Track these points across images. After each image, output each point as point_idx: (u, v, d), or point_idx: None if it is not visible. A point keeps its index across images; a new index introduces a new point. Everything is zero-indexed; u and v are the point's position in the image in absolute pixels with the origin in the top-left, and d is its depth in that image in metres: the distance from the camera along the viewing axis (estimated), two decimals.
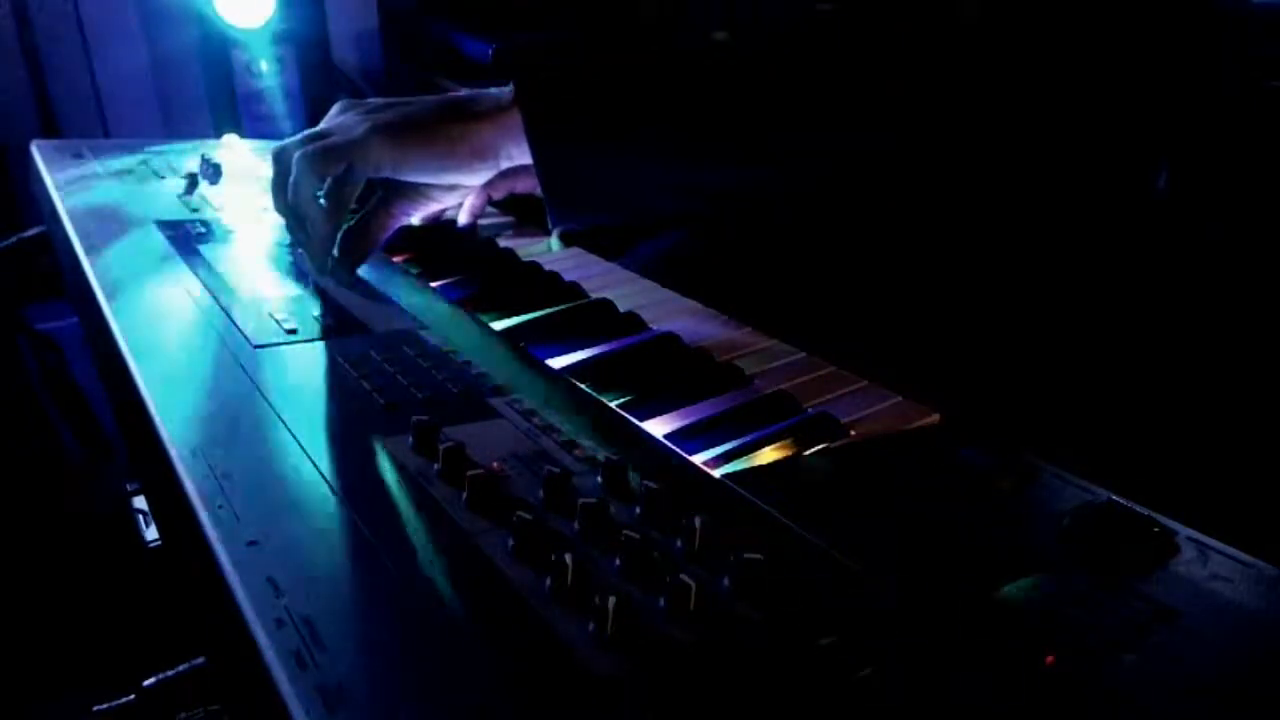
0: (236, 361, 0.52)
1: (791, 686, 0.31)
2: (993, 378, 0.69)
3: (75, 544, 1.14)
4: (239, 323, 0.58)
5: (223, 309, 0.60)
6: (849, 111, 0.67)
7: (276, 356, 0.53)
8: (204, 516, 0.37)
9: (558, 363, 0.58)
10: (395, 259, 0.78)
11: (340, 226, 0.70)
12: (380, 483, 0.41)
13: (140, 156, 1.00)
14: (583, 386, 0.53)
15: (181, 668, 0.62)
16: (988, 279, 0.73)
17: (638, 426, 0.49)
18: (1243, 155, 0.77)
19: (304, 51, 2.01)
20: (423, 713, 0.28)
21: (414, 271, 0.76)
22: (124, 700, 0.64)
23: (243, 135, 1.58)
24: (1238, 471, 0.68)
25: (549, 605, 0.33)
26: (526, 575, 0.35)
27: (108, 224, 0.76)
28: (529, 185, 0.85)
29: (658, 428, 0.51)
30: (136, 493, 1.00)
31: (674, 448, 0.47)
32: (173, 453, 0.42)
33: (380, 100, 0.71)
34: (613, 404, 0.52)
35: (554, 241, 0.87)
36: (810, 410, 0.54)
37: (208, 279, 0.65)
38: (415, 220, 0.81)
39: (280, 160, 0.69)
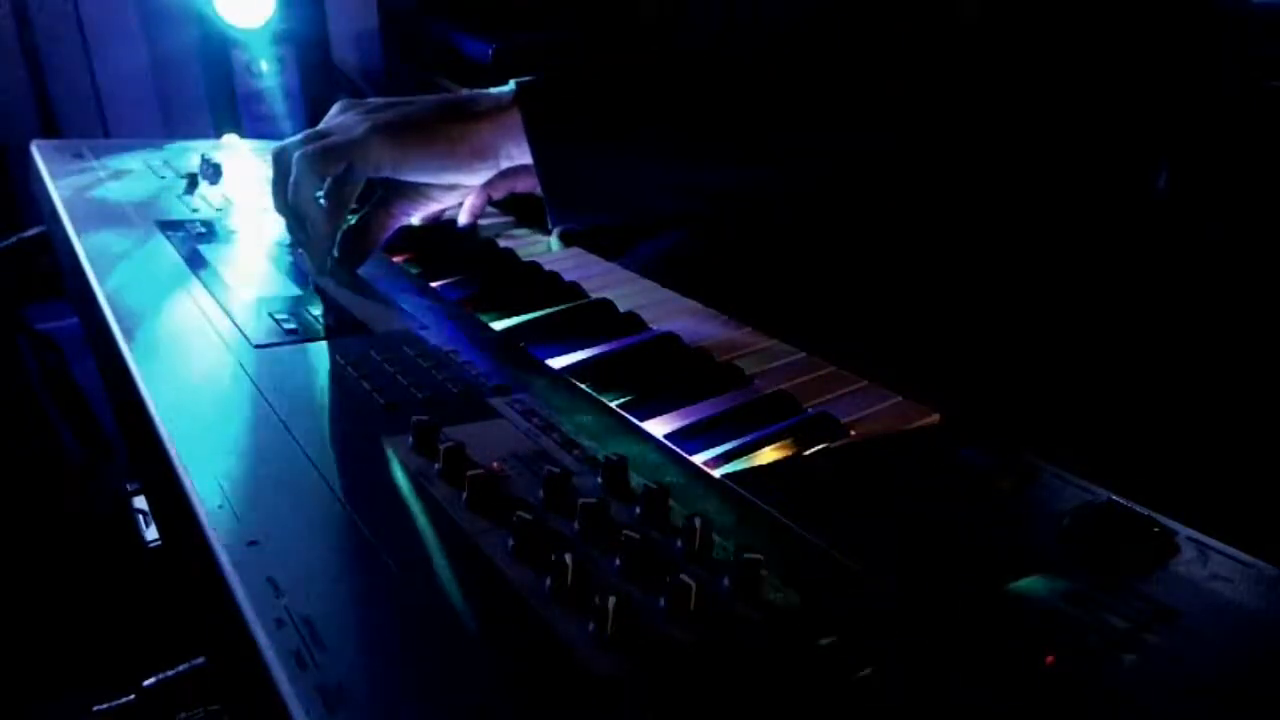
0: (236, 361, 0.52)
1: (791, 686, 0.31)
2: (993, 378, 0.69)
3: (75, 544, 1.14)
4: (239, 323, 0.58)
5: (223, 309, 0.60)
6: (849, 111, 0.67)
7: (276, 356, 0.53)
8: (204, 516, 0.37)
9: (558, 363, 0.58)
10: (395, 259, 0.78)
11: (340, 226, 0.70)
12: (380, 483, 0.41)
13: (140, 156, 1.00)
14: (583, 386, 0.53)
15: (181, 668, 0.62)
16: (988, 279, 0.73)
17: (638, 426, 0.49)
18: (1243, 155, 0.77)
19: (304, 51, 2.01)
20: (423, 713, 0.28)
21: (414, 271, 0.76)
22: (124, 700, 0.64)
23: (243, 135, 1.58)
24: (1238, 471, 0.68)
25: (549, 605, 0.33)
26: (526, 575, 0.35)
27: (108, 224, 0.76)
28: (529, 185, 0.85)
29: (658, 428, 0.51)
30: (136, 493, 1.00)
31: (674, 448, 0.47)
32: (173, 453, 0.42)
33: (380, 100, 0.71)
34: (613, 404, 0.52)
35: (554, 241, 0.87)
36: (810, 410, 0.54)
37: (208, 279, 0.65)
38: (415, 220, 0.81)
39: (280, 160, 0.69)
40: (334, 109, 0.72)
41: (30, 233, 1.35)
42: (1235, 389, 0.73)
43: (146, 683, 0.62)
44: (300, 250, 0.72)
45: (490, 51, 1.71)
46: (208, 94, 2.00)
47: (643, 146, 0.68)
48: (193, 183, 0.89)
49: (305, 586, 0.33)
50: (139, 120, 2.09)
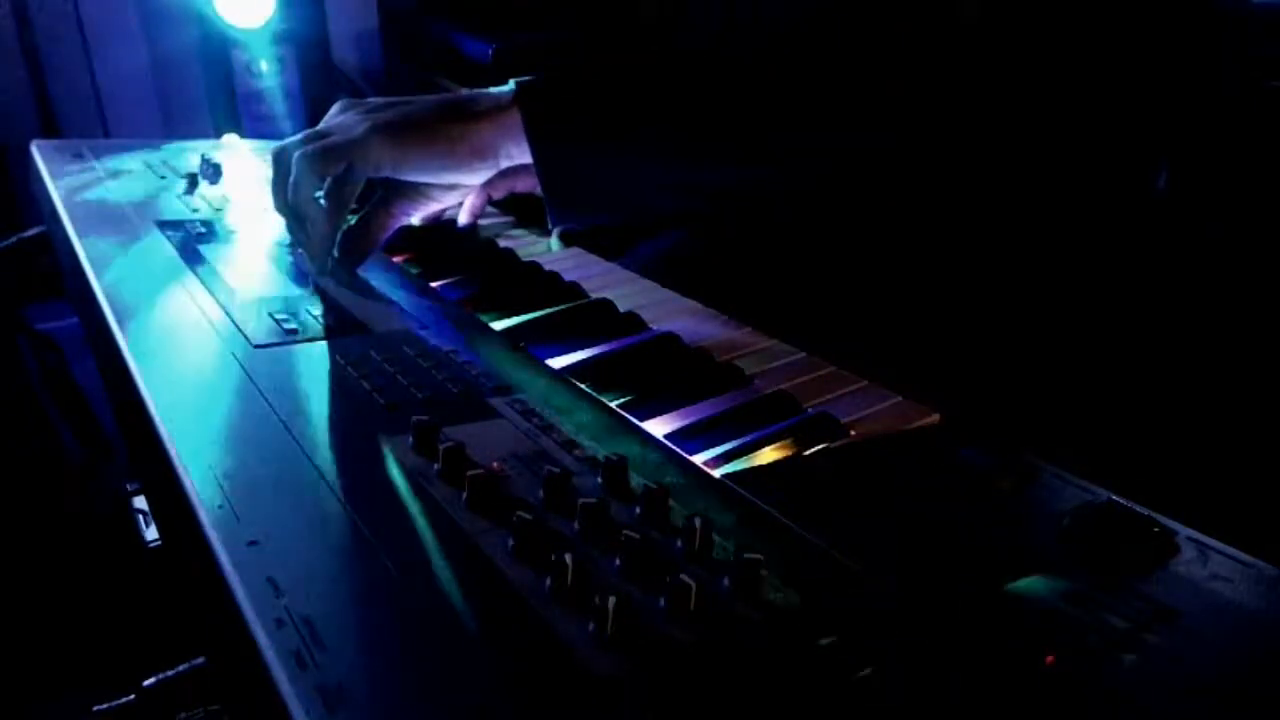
0: (236, 361, 0.52)
1: (791, 686, 0.31)
2: (993, 378, 0.69)
3: (75, 544, 1.14)
4: (239, 323, 0.58)
5: (223, 309, 0.60)
6: (849, 111, 0.67)
7: (276, 356, 0.53)
8: (204, 516, 0.37)
9: (558, 363, 0.58)
10: (395, 259, 0.78)
11: (340, 226, 0.70)
12: (380, 483, 0.41)
13: (140, 156, 1.00)
14: (583, 386, 0.53)
15: (181, 668, 0.62)
16: (988, 278, 0.73)
17: (638, 426, 0.49)
18: (1243, 155, 0.77)
19: (304, 51, 2.01)
20: (423, 713, 0.28)
21: (414, 271, 0.76)
22: (124, 700, 0.64)
23: (243, 135, 1.58)
24: (1238, 471, 0.68)
25: (549, 605, 0.33)
26: (526, 575, 0.35)
27: (108, 224, 0.76)
28: (529, 185, 0.85)
29: (658, 428, 0.51)
30: (136, 493, 1.00)
31: (674, 448, 0.47)
32: (173, 453, 0.42)
33: (380, 100, 0.71)
34: (613, 404, 0.52)
35: (554, 241, 0.87)
36: (810, 410, 0.54)
37: (208, 279, 0.65)
38: (415, 220, 0.81)
39: (280, 160, 0.69)
40: (334, 109, 0.72)
41: (30, 233, 1.35)
42: (1235, 389, 0.73)
43: (146, 683, 0.62)
44: (300, 250, 0.72)
45: (490, 51, 1.71)
46: (208, 94, 2.00)
47: (643, 146, 0.68)
48: (193, 183, 0.89)
49: (305, 586, 0.33)
50: (139, 120, 2.09)
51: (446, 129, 0.68)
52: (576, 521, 0.38)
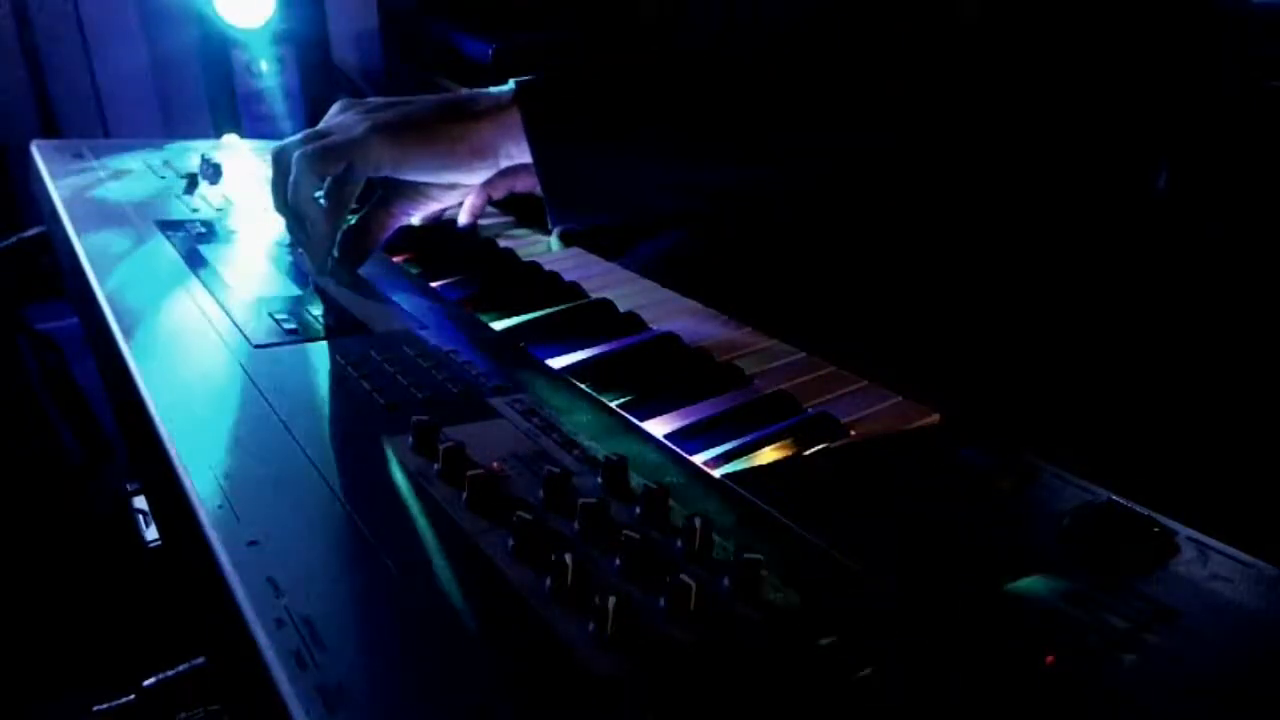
0: (236, 361, 0.52)
1: (791, 686, 0.31)
2: (993, 378, 0.69)
3: (75, 544, 1.14)
4: (239, 323, 0.58)
5: (223, 309, 0.60)
6: (849, 111, 0.67)
7: (276, 356, 0.53)
8: (204, 516, 0.37)
9: (558, 363, 0.58)
10: (395, 259, 0.78)
11: (340, 226, 0.70)
12: (380, 483, 0.41)
13: (140, 156, 1.00)
14: (583, 386, 0.53)
15: (181, 668, 0.62)
16: (988, 278, 0.73)
17: (638, 426, 0.49)
18: (1243, 155, 0.77)
19: (304, 51, 2.01)
20: (423, 713, 0.28)
21: (414, 271, 0.76)
22: (124, 700, 0.64)
23: (243, 135, 1.58)
24: (1238, 471, 0.68)
25: (549, 605, 0.33)
26: (526, 575, 0.35)
27: (108, 224, 0.76)
28: (529, 184, 0.85)
29: (658, 428, 0.51)
30: (136, 493, 1.00)
31: (674, 448, 0.47)
32: (173, 453, 0.42)
33: (380, 99, 0.71)
34: (613, 404, 0.52)
35: (554, 241, 0.87)
36: (810, 410, 0.54)
37: (208, 279, 0.65)
38: (415, 220, 0.81)
39: (280, 160, 0.69)
40: (334, 109, 0.72)
41: (30, 233, 1.35)
42: (1235, 389, 0.73)
43: (146, 683, 0.61)
44: (300, 250, 0.72)
45: (490, 51, 1.71)
46: (208, 94, 2.00)
47: (642, 146, 0.68)
48: (193, 183, 0.89)
49: (305, 586, 0.33)
50: (139, 120, 2.09)
51: (446, 129, 0.68)
52: (576, 521, 0.38)
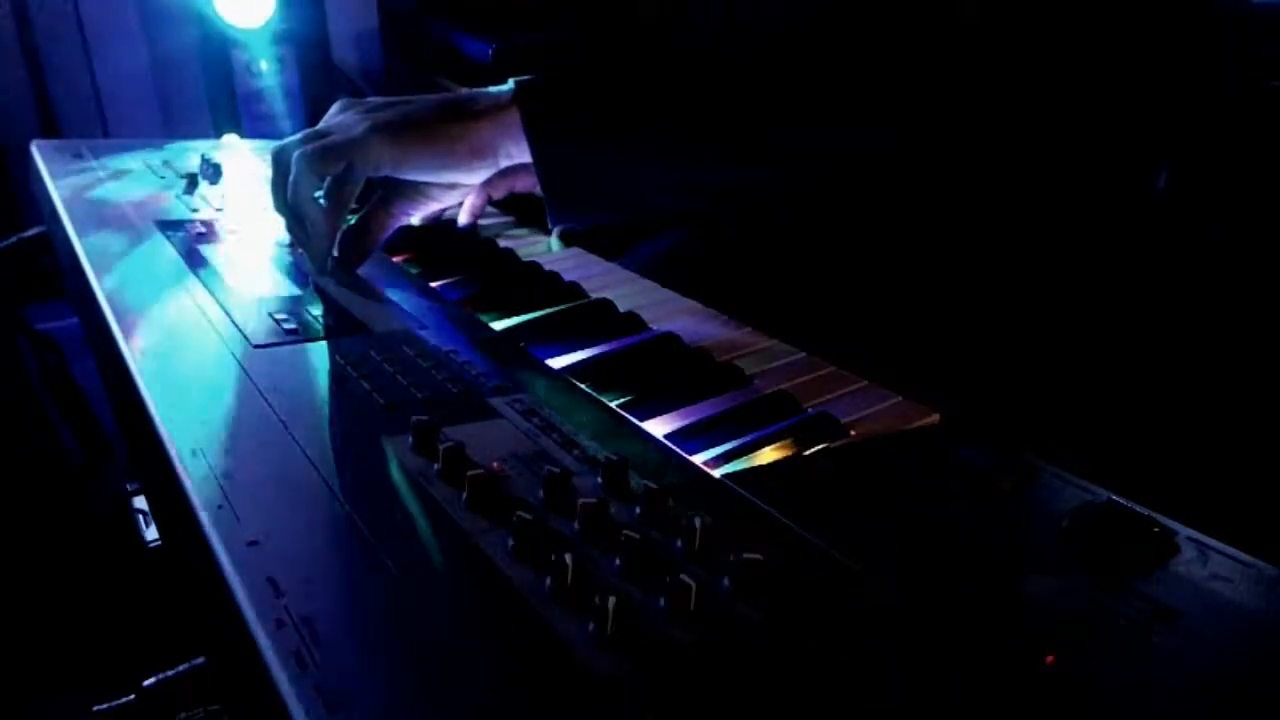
0: (236, 361, 0.52)
1: (791, 686, 0.31)
2: (993, 378, 0.69)
3: (75, 544, 1.14)
4: (239, 323, 0.58)
5: (223, 309, 0.60)
6: (849, 111, 0.67)
7: (276, 356, 0.53)
8: (204, 516, 0.37)
9: (558, 363, 0.58)
10: (395, 259, 0.78)
11: (340, 226, 0.69)
12: (380, 483, 0.41)
13: (140, 156, 1.00)
14: (583, 386, 0.53)
15: (181, 668, 0.62)
16: (988, 278, 0.73)
17: (638, 426, 0.49)
18: (1243, 155, 0.77)
19: (304, 51, 2.01)
20: (423, 713, 0.28)
21: (414, 271, 0.76)
22: (124, 700, 0.64)
23: (243, 135, 1.58)
24: (1238, 471, 0.68)
25: (549, 605, 0.33)
26: (526, 575, 0.35)
27: (108, 224, 0.76)
28: (529, 184, 0.85)
29: (658, 428, 0.51)
30: (136, 493, 1.00)
31: (674, 448, 0.47)
32: (173, 453, 0.42)
33: (380, 99, 0.71)
34: (613, 404, 0.52)
35: (554, 241, 0.87)
36: (810, 410, 0.54)
37: (208, 279, 0.65)
38: (415, 220, 0.81)
39: (280, 160, 0.69)
40: (333, 108, 0.72)
41: (30, 233, 1.35)
42: (1235, 389, 0.73)
43: (146, 683, 0.61)
44: (300, 250, 0.72)
45: (490, 51, 1.71)
46: (208, 94, 2.00)
47: (642, 146, 0.68)
48: (193, 183, 0.89)
49: (305, 586, 0.33)
50: (139, 120, 2.09)
51: (446, 128, 0.68)
52: (576, 521, 0.38)
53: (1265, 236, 0.77)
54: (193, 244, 0.73)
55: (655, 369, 0.59)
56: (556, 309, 0.68)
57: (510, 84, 0.69)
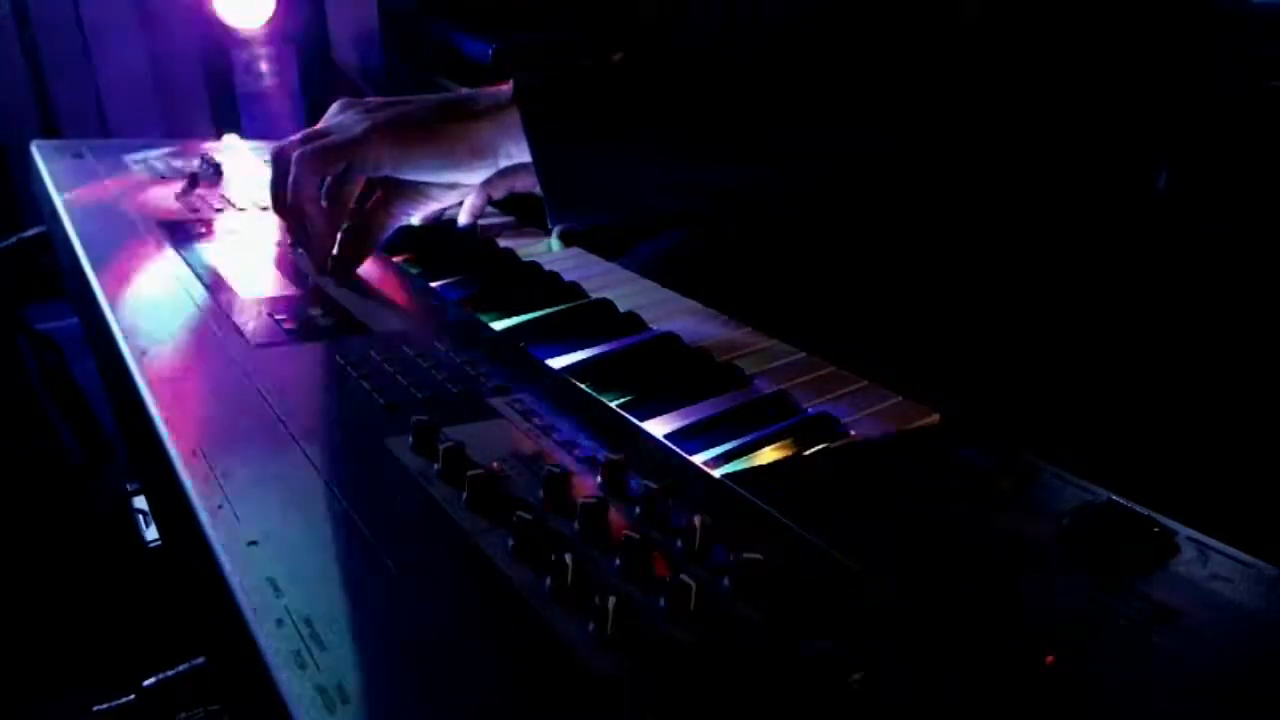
0: (236, 361, 0.52)
1: (792, 687, 0.31)
2: (993, 378, 0.69)
3: (75, 544, 1.14)
4: (239, 323, 0.58)
5: (223, 309, 0.60)
6: (849, 111, 0.66)
7: (276, 356, 0.53)
8: (204, 516, 0.37)
9: (558, 363, 0.58)
10: (395, 259, 0.78)
11: (340, 226, 0.69)
12: (380, 483, 0.41)
13: (140, 156, 1.00)
14: (583, 386, 0.53)
15: (181, 668, 0.62)
16: (988, 278, 0.73)
17: (638, 426, 0.49)
18: (1243, 155, 0.77)
19: (304, 51, 2.01)
20: (423, 713, 0.28)
21: (414, 271, 0.76)
22: (124, 700, 0.64)
23: (243, 135, 1.58)
24: (1238, 471, 0.68)
25: (549, 605, 0.33)
26: (526, 575, 0.35)
27: (108, 224, 0.76)
28: (528, 184, 0.85)
29: (658, 428, 0.51)
30: (136, 493, 1.00)
31: (674, 448, 0.47)
32: (173, 453, 0.42)
33: (380, 99, 0.71)
34: (613, 404, 0.52)
35: (554, 241, 0.87)
36: (810, 410, 0.54)
37: (208, 279, 0.65)
38: (415, 220, 0.81)
39: (279, 160, 0.69)
40: (333, 108, 0.72)
41: (30, 233, 1.35)
42: (1235, 389, 0.73)
43: (146, 683, 0.61)
44: (300, 250, 0.72)
45: (490, 51, 1.71)
46: (208, 94, 2.01)
47: (642, 146, 0.68)
48: (193, 183, 0.89)
49: (305, 586, 0.33)
50: (139, 120, 2.09)
51: (446, 128, 0.68)
52: (576, 521, 0.38)
53: (1265, 236, 0.77)
54: (193, 244, 0.73)
55: (655, 369, 0.59)
56: (556, 309, 0.68)
57: (510, 84, 0.69)
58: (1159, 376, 0.72)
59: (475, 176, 0.71)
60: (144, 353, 0.52)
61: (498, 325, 0.64)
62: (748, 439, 0.50)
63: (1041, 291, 0.73)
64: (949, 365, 0.66)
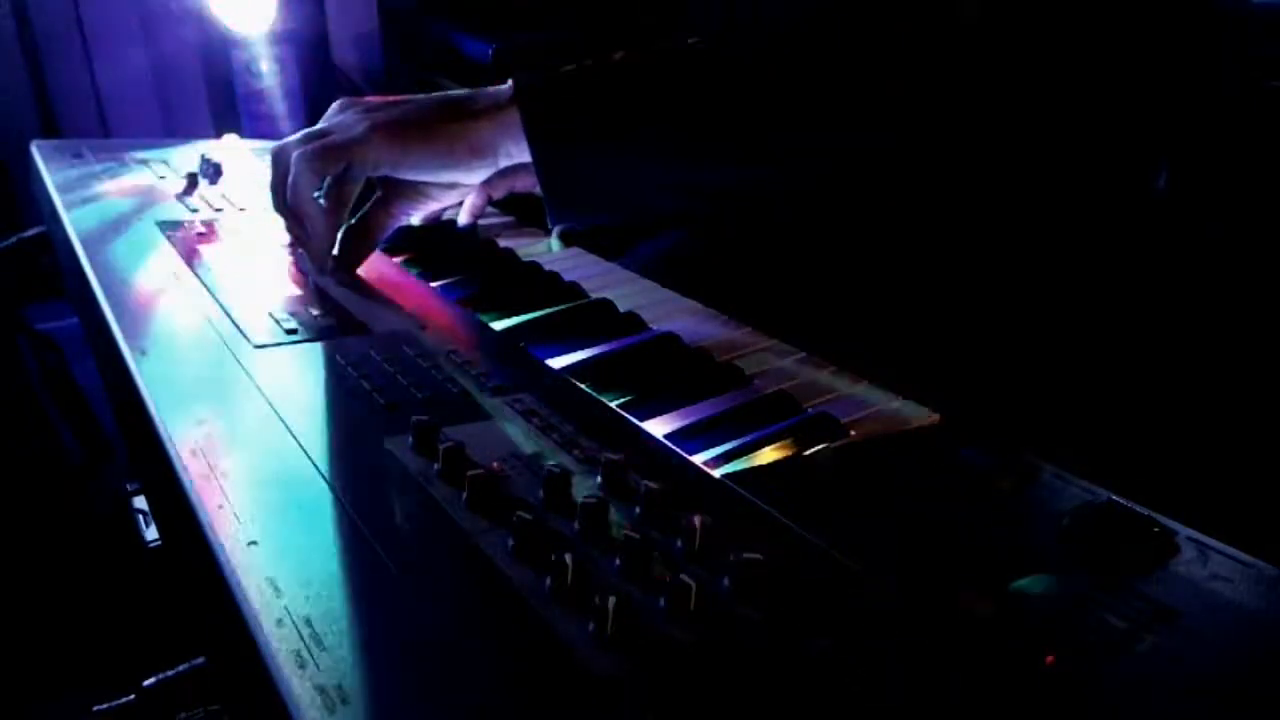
0: (236, 361, 0.52)
1: (791, 687, 0.31)
2: (992, 378, 0.69)
3: (75, 544, 1.14)
4: (239, 323, 0.58)
5: (223, 309, 0.60)
6: (849, 111, 0.66)
7: (276, 356, 0.53)
8: (204, 516, 0.37)
9: (558, 363, 0.58)
10: (395, 259, 0.78)
11: (340, 226, 0.69)
12: (380, 483, 0.41)
13: (140, 156, 1.00)
14: (583, 386, 0.53)
15: (181, 668, 0.62)
16: (988, 278, 0.73)
17: (638, 426, 0.49)
18: (1243, 155, 0.77)
19: (304, 51, 2.01)
20: (423, 713, 0.28)
21: (414, 271, 0.76)
22: (124, 700, 0.64)
23: (243, 135, 1.58)
24: (1238, 471, 0.68)
25: (549, 605, 0.33)
26: (526, 575, 0.35)
27: (108, 224, 0.76)
28: (528, 184, 0.85)
29: (658, 428, 0.51)
30: (136, 493, 1.00)
31: (674, 448, 0.47)
32: (173, 453, 0.42)
33: (379, 99, 0.71)
34: (613, 404, 0.52)
35: (554, 241, 0.87)
36: (810, 410, 0.54)
37: (208, 279, 0.65)
38: (415, 220, 0.81)
39: (279, 160, 0.69)
40: (332, 108, 0.72)
41: (30, 233, 1.35)
42: (1235, 389, 0.73)
43: (146, 683, 0.62)
44: (300, 250, 0.72)
45: (490, 51, 1.71)
46: (208, 94, 2.01)
47: (642, 145, 0.68)
48: (193, 183, 0.89)
49: (305, 586, 0.33)
50: (139, 120, 2.09)
51: (445, 127, 0.68)
52: (576, 521, 0.38)
53: (1265, 236, 0.77)
54: (193, 244, 0.73)
55: (655, 369, 0.59)
56: (556, 309, 0.68)
57: (510, 84, 0.68)
58: (1159, 376, 0.72)
59: (475, 176, 0.71)
60: (144, 353, 0.52)
61: (498, 325, 0.64)
62: (748, 439, 0.50)
63: (1041, 291, 0.73)
64: (949, 365, 0.66)
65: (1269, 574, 0.39)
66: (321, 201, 0.67)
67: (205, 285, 0.64)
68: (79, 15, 1.99)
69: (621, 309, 0.68)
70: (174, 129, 2.13)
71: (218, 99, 1.98)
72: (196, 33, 1.95)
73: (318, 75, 2.05)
